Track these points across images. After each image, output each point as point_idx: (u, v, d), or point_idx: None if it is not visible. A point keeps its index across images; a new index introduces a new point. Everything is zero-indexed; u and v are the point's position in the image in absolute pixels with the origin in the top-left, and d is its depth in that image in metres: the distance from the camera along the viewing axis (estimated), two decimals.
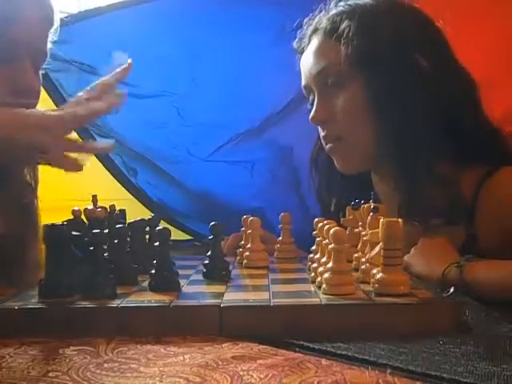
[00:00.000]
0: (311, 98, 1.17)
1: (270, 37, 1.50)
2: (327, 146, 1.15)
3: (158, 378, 0.54)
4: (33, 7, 1.00)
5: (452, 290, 0.82)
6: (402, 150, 1.07)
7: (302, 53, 1.20)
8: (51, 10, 1.04)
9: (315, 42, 1.15)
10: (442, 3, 1.21)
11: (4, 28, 0.96)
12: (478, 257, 0.92)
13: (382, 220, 0.75)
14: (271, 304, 0.71)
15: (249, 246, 1.03)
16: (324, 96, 1.13)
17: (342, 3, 1.15)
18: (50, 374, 0.56)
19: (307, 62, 1.16)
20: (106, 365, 0.58)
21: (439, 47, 1.12)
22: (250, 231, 1.04)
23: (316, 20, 1.17)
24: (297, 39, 1.22)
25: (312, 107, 1.16)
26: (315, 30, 1.16)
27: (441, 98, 1.06)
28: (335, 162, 1.16)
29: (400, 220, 0.74)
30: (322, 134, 1.16)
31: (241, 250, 1.07)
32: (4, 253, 0.91)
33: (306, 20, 1.20)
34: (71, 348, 0.64)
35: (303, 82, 1.18)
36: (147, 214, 1.06)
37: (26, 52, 0.99)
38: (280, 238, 1.14)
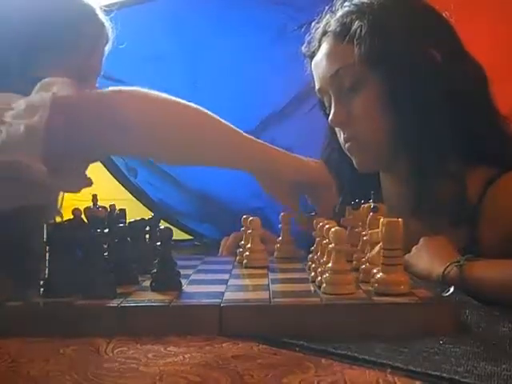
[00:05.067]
0: (326, 100, 1.17)
1: (270, 37, 1.50)
2: (346, 145, 1.15)
3: (157, 378, 0.54)
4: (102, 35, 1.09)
5: (452, 289, 0.81)
6: (417, 147, 1.06)
7: (311, 57, 1.18)
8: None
9: (326, 45, 1.14)
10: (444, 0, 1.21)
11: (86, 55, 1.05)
12: None
13: (382, 220, 0.75)
14: (271, 304, 0.71)
15: (249, 245, 1.03)
16: (341, 98, 1.12)
17: (347, 3, 1.14)
18: (50, 374, 0.56)
19: (320, 66, 1.15)
20: (105, 364, 0.58)
21: (450, 40, 1.11)
22: (250, 231, 1.04)
23: (324, 22, 1.16)
24: (305, 43, 1.20)
25: (324, 109, 1.16)
26: (325, 33, 1.15)
27: (455, 94, 1.06)
28: (353, 160, 1.15)
29: (400, 220, 0.74)
30: (341, 135, 1.15)
31: (241, 249, 1.07)
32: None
33: (313, 23, 1.18)
34: (71, 348, 0.63)
35: (317, 86, 1.17)
36: (147, 214, 1.06)
37: (92, 74, 1.08)
38: (280, 238, 1.14)
